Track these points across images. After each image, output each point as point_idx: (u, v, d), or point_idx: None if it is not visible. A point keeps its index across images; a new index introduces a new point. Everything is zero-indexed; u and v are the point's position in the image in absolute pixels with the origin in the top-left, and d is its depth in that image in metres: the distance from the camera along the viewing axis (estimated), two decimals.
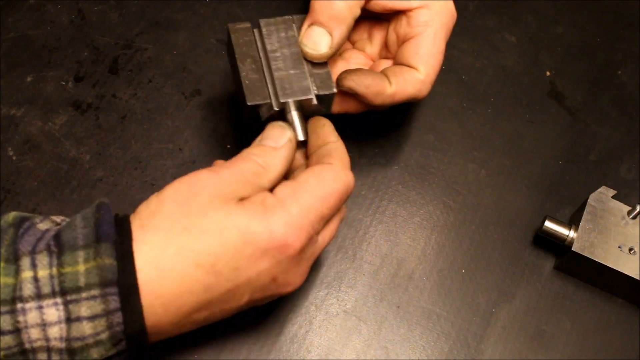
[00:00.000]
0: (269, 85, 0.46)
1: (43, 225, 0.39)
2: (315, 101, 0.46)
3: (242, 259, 0.39)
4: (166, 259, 0.38)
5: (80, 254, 0.37)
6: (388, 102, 0.47)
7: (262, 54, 0.47)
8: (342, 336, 0.49)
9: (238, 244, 0.39)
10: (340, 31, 0.46)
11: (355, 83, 0.46)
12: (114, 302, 0.36)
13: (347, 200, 0.44)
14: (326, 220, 0.42)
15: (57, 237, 0.37)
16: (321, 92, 0.46)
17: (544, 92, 0.60)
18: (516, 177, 0.56)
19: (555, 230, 0.51)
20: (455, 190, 0.55)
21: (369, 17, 0.51)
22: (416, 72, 0.48)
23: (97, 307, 0.36)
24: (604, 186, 0.52)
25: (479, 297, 0.51)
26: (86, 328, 0.36)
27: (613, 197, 0.52)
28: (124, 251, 0.37)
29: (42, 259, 0.37)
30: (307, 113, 0.47)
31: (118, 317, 0.37)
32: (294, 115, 0.46)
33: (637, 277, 0.49)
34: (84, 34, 0.57)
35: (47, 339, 0.36)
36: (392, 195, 0.54)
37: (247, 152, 0.43)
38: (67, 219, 0.40)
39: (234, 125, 0.55)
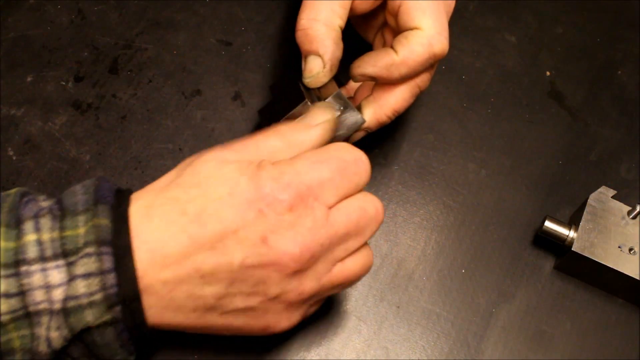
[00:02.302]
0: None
1: (45, 203, 0.39)
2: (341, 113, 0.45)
3: (228, 209, 0.38)
4: (154, 206, 0.38)
5: (81, 218, 0.37)
6: (404, 70, 0.46)
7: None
8: (342, 336, 0.49)
9: (224, 194, 0.38)
10: (326, 47, 0.45)
11: (362, 67, 0.46)
12: (108, 262, 0.37)
13: (365, 183, 0.41)
14: (333, 190, 0.40)
15: (59, 201, 0.38)
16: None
17: (544, 92, 0.60)
18: (516, 177, 0.56)
19: (555, 230, 0.51)
20: (455, 190, 0.55)
21: (375, 26, 0.52)
22: (418, 30, 0.45)
23: (91, 265, 0.36)
24: (604, 186, 0.52)
25: (479, 297, 0.51)
26: (80, 286, 0.36)
27: (613, 197, 0.52)
28: (120, 213, 0.38)
29: (46, 223, 0.37)
30: (344, 133, 0.47)
31: (112, 279, 0.37)
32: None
33: (637, 277, 0.49)
34: (84, 34, 0.57)
35: (50, 302, 0.36)
36: (392, 195, 0.54)
37: (276, 127, 0.42)
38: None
39: (234, 125, 0.55)
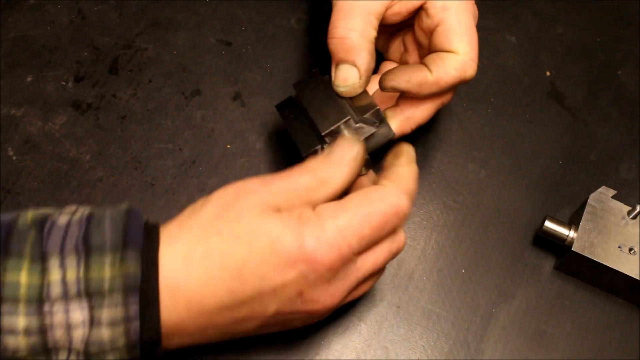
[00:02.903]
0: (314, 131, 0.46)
1: (62, 220, 0.38)
2: (353, 123, 0.45)
3: (269, 268, 0.38)
4: (194, 257, 0.38)
5: (108, 259, 0.37)
6: (435, 89, 0.47)
7: (305, 110, 0.47)
8: (342, 336, 0.49)
9: (266, 252, 0.38)
10: (362, 58, 0.46)
11: (395, 81, 0.46)
12: (134, 310, 0.36)
13: (400, 226, 0.42)
14: (370, 243, 0.41)
15: (85, 238, 0.37)
16: (363, 115, 0.46)
17: (544, 92, 0.60)
18: (516, 177, 0.56)
19: (555, 230, 0.51)
20: (455, 190, 0.55)
21: (398, 30, 0.52)
22: (453, 54, 0.47)
23: (117, 313, 0.36)
24: (604, 186, 0.52)
25: (479, 297, 0.51)
26: (105, 334, 0.36)
27: (613, 197, 0.52)
28: (150, 258, 0.37)
29: (71, 261, 0.36)
30: (372, 145, 0.47)
31: (136, 325, 0.36)
32: (345, 132, 0.46)
33: (637, 277, 0.49)
34: (84, 34, 0.57)
35: (70, 340, 0.36)
36: None
37: (307, 164, 0.42)
38: (82, 208, 0.39)
39: (234, 125, 0.55)
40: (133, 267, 0.36)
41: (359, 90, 0.47)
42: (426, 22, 0.48)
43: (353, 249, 0.39)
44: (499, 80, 0.60)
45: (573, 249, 0.50)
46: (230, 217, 0.39)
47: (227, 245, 0.38)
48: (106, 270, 0.36)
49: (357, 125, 0.46)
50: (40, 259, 0.36)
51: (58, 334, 0.36)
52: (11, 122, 0.53)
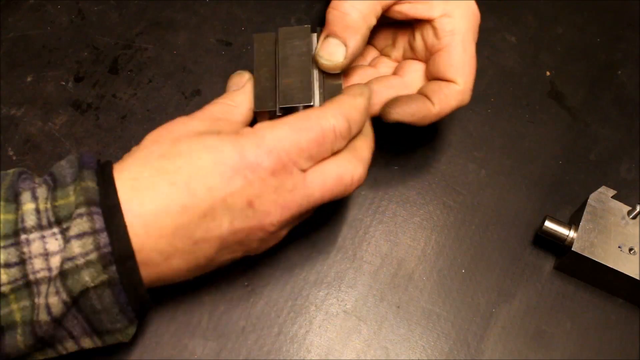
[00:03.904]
0: (277, 93, 0.46)
1: (40, 180, 0.41)
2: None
3: (215, 178, 0.40)
4: (142, 180, 0.39)
5: (70, 188, 0.39)
6: (435, 120, 0.48)
7: (278, 63, 0.47)
8: (342, 336, 0.49)
9: (209, 164, 0.40)
10: (355, 41, 0.46)
11: (400, 115, 0.47)
12: (99, 222, 0.38)
13: (359, 161, 0.44)
14: (311, 157, 0.42)
15: (51, 174, 0.40)
16: (330, 96, 0.46)
17: (544, 92, 0.60)
18: (516, 177, 0.56)
19: (555, 230, 0.51)
20: (455, 190, 0.55)
21: (392, 24, 0.52)
22: (454, 85, 0.48)
23: (84, 225, 0.38)
24: (604, 186, 0.52)
25: (479, 297, 0.51)
26: (75, 247, 0.37)
27: (613, 197, 0.52)
28: (105, 176, 0.39)
29: (42, 192, 0.39)
30: None
31: (104, 238, 0.38)
32: None
33: (637, 277, 0.49)
34: (84, 34, 0.57)
35: (49, 269, 0.37)
36: (392, 195, 0.54)
37: (214, 100, 0.46)
38: None
39: None
40: (90, 182, 0.39)
41: (338, 70, 0.47)
42: (432, 39, 0.49)
43: (292, 157, 0.41)
44: (499, 80, 0.60)
45: (573, 249, 0.50)
46: (167, 142, 0.41)
47: (171, 163, 0.40)
48: (71, 197, 0.39)
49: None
50: (14, 199, 0.38)
51: (37, 263, 0.37)
52: (11, 122, 0.53)
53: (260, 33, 0.48)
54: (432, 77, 0.50)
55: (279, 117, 0.46)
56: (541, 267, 0.53)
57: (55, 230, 0.38)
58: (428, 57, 0.50)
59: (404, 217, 0.54)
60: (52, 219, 0.38)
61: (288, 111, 0.46)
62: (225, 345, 0.48)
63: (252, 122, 0.46)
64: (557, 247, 0.52)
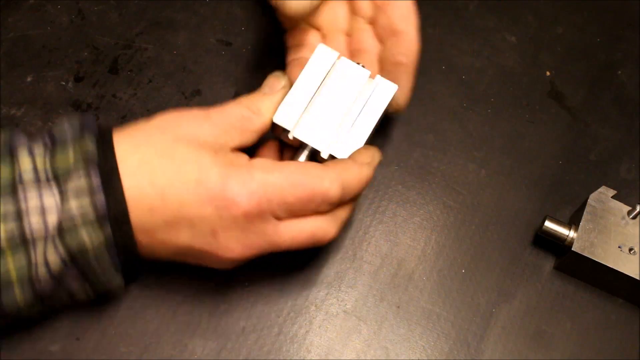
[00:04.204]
0: (301, 118, 0.46)
1: (37, 139, 0.41)
2: (324, 157, 0.46)
3: (190, 196, 0.40)
4: (128, 164, 0.40)
5: (70, 148, 0.40)
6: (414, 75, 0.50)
7: (321, 87, 0.47)
8: (342, 336, 0.49)
9: (192, 180, 0.40)
10: None
11: (405, 96, 0.49)
12: (97, 181, 0.39)
13: (333, 221, 0.44)
14: (291, 212, 0.42)
15: (50, 133, 0.41)
16: (337, 155, 0.46)
17: (544, 92, 0.60)
18: (516, 177, 0.56)
19: (555, 230, 0.51)
20: (455, 190, 0.55)
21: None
22: (407, 35, 0.49)
23: (82, 182, 0.38)
24: (604, 186, 0.52)
25: (479, 297, 0.51)
26: (73, 205, 0.38)
27: (613, 197, 0.52)
28: (105, 141, 0.40)
29: (39, 149, 0.40)
30: (322, 158, 0.47)
31: (101, 198, 0.38)
32: (302, 153, 0.46)
33: (637, 277, 0.49)
34: (84, 34, 0.57)
35: (45, 227, 0.38)
36: (392, 195, 0.54)
37: (240, 98, 0.45)
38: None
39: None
40: (90, 145, 0.39)
41: (299, 15, 0.47)
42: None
43: (273, 208, 0.41)
44: (499, 80, 0.60)
45: (573, 249, 0.50)
46: (169, 137, 0.41)
47: (159, 161, 0.40)
48: (70, 156, 0.39)
49: None
50: (9, 154, 0.39)
51: (34, 219, 0.38)
52: (11, 122, 0.53)
53: (325, 45, 0.47)
54: (382, 33, 0.50)
55: (288, 139, 0.46)
56: (541, 267, 0.53)
57: (53, 187, 0.39)
58: (373, 14, 0.51)
59: (404, 217, 0.54)
60: (51, 176, 0.39)
61: (299, 142, 0.46)
62: (225, 345, 0.48)
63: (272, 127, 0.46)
64: (557, 247, 0.52)
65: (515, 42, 0.62)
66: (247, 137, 0.44)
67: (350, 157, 0.46)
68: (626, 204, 0.52)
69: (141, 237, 0.41)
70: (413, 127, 0.57)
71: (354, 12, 0.53)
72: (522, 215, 0.55)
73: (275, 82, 0.46)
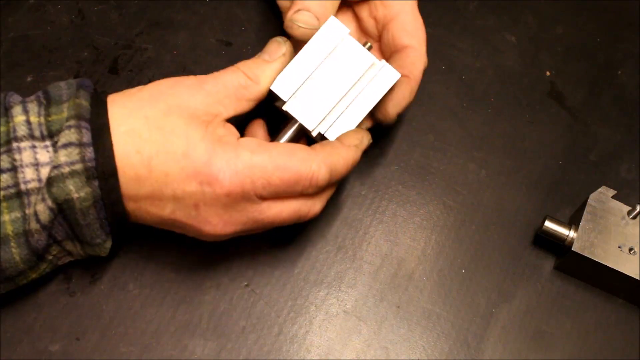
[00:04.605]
0: (300, 88, 0.46)
1: (32, 98, 0.41)
2: (314, 136, 0.46)
3: (175, 169, 0.40)
4: (117, 132, 0.40)
5: (65, 106, 0.40)
6: (415, 91, 0.49)
7: (323, 63, 0.46)
8: (342, 336, 0.49)
9: (179, 152, 0.40)
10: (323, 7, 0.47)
11: (400, 106, 0.48)
12: (87, 136, 0.39)
13: (318, 198, 0.44)
14: (276, 193, 0.42)
15: (45, 92, 0.41)
16: (326, 135, 0.46)
17: (544, 92, 0.60)
18: (516, 177, 0.56)
19: (555, 230, 0.51)
20: (455, 190, 0.55)
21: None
22: (413, 49, 0.49)
23: (71, 135, 0.39)
24: (604, 186, 0.52)
25: (479, 297, 0.51)
26: (61, 155, 0.39)
27: (613, 197, 0.52)
28: (99, 99, 0.41)
29: (33, 107, 0.40)
30: (312, 138, 0.47)
31: (90, 152, 0.39)
32: (291, 128, 0.46)
33: (637, 277, 0.49)
34: (84, 34, 0.57)
35: (39, 180, 0.39)
36: (392, 195, 0.54)
37: (238, 64, 0.44)
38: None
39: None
40: (84, 102, 0.40)
41: (309, 33, 0.46)
42: (380, 11, 0.50)
43: (257, 188, 0.41)
44: (499, 80, 0.60)
45: (573, 249, 0.50)
46: (160, 107, 0.41)
47: (148, 131, 0.40)
48: (64, 113, 0.40)
49: None
50: (5, 112, 0.39)
51: (28, 173, 0.39)
52: None
53: (337, 19, 0.46)
54: (387, 50, 0.50)
55: (283, 111, 0.46)
56: (541, 267, 0.53)
57: (47, 142, 0.39)
58: (379, 33, 0.51)
59: (404, 217, 0.54)
60: (45, 132, 0.39)
61: (289, 114, 0.46)
62: (225, 345, 0.48)
63: (271, 96, 0.46)
64: (557, 247, 0.52)
65: (515, 42, 0.62)
66: (243, 105, 0.44)
67: (338, 138, 0.46)
68: (626, 204, 0.52)
69: (127, 203, 0.41)
70: (413, 127, 0.57)
71: (361, 30, 0.53)
72: (522, 215, 0.55)
73: (276, 48, 0.45)
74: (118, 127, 0.40)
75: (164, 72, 0.56)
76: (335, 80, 0.46)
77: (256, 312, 0.49)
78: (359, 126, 0.47)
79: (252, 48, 0.58)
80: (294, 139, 0.46)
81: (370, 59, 0.46)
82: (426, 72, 0.59)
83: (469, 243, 0.53)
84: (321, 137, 0.46)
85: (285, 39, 0.46)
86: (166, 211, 0.42)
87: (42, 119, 0.40)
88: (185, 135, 0.41)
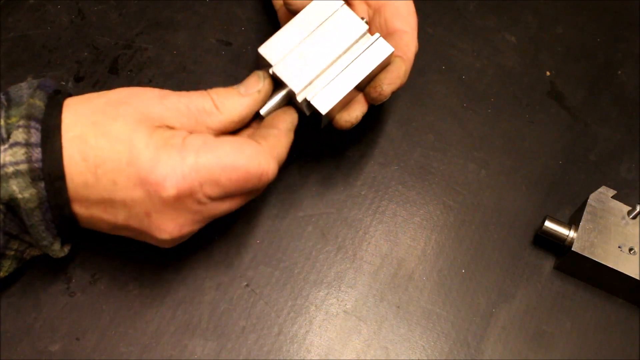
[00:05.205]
0: (290, 51, 0.45)
1: None
2: (299, 100, 0.45)
3: (122, 177, 0.40)
4: (65, 137, 0.40)
5: (24, 107, 0.40)
6: (407, 74, 0.49)
7: (313, 32, 0.45)
8: (342, 336, 0.49)
9: (123, 160, 0.39)
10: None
11: (393, 85, 0.47)
12: (35, 136, 0.38)
13: (259, 189, 0.43)
14: (225, 194, 0.41)
15: (6, 93, 0.41)
16: (312, 102, 0.45)
17: (544, 92, 0.60)
18: (516, 177, 0.56)
19: (555, 230, 0.51)
20: (455, 190, 0.55)
21: None
22: (406, 33, 0.49)
23: (19, 135, 0.38)
24: (604, 186, 0.52)
25: (479, 297, 0.51)
26: (7, 155, 0.38)
27: (613, 197, 0.52)
28: (55, 100, 0.40)
29: None
30: (297, 107, 0.46)
31: (37, 153, 0.38)
32: (277, 94, 0.46)
33: (637, 277, 0.49)
34: (84, 34, 0.57)
35: None
36: (392, 195, 0.54)
37: (210, 90, 0.44)
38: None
39: None
40: (38, 102, 0.40)
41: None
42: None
43: (205, 190, 0.40)
44: (499, 80, 0.60)
45: (573, 249, 0.50)
46: (110, 115, 0.40)
47: (94, 137, 0.40)
48: (22, 113, 0.39)
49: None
50: None
51: None
52: None
53: None
54: (380, 30, 0.50)
55: (270, 75, 0.45)
56: (541, 267, 0.53)
57: (6, 145, 0.39)
58: (371, 17, 0.51)
59: (404, 217, 0.54)
60: (5, 135, 0.39)
61: (277, 80, 0.45)
62: (225, 345, 0.48)
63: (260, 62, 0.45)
64: (557, 247, 0.52)
65: (515, 42, 0.62)
66: (200, 130, 0.42)
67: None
68: (626, 204, 0.52)
69: (77, 208, 0.41)
70: (413, 127, 0.57)
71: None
72: (522, 215, 0.55)
73: (254, 83, 0.45)
74: (67, 132, 0.40)
75: (164, 72, 0.56)
76: (327, 47, 0.45)
77: (256, 312, 0.49)
78: (355, 108, 0.47)
79: (252, 48, 0.58)
80: (279, 106, 0.46)
81: (365, 28, 0.46)
82: (426, 72, 0.59)
83: (469, 243, 0.53)
84: (307, 105, 0.45)
85: (266, 74, 0.45)
86: (119, 218, 0.41)
87: (2, 122, 0.39)
88: (129, 141, 0.40)
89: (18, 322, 0.46)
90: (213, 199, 0.41)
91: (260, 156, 0.42)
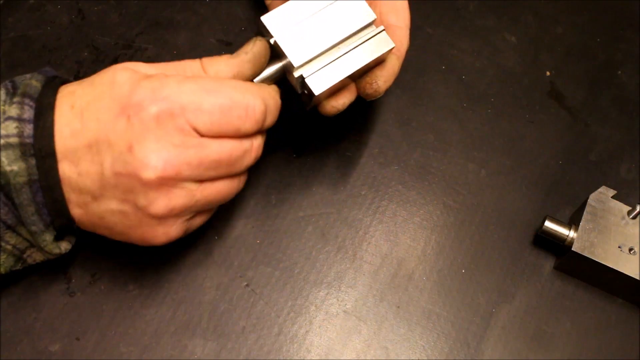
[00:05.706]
0: (294, 25, 0.45)
1: None
2: (295, 75, 0.45)
3: (104, 112, 0.39)
4: (57, 96, 0.41)
5: (21, 86, 0.41)
6: (399, 67, 0.49)
7: (321, 10, 0.45)
8: (342, 336, 0.49)
9: (106, 94, 0.40)
10: None
11: (388, 81, 0.47)
12: (29, 112, 0.39)
13: (248, 130, 0.42)
14: (211, 124, 0.40)
15: (12, 81, 0.42)
16: (307, 80, 0.45)
17: (544, 92, 0.60)
18: (516, 177, 0.56)
19: (555, 230, 0.51)
20: (455, 190, 0.55)
21: None
22: (400, 29, 0.49)
23: (12, 111, 0.39)
24: (604, 186, 0.52)
25: (479, 297, 0.51)
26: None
27: (613, 197, 0.52)
28: (52, 82, 0.41)
29: (2, 95, 0.40)
30: (291, 81, 0.46)
31: (29, 129, 0.39)
32: (273, 65, 0.45)
33: (637, 277, 0.49)
34: (84, 34, 0.57)
35: None
36: (392, 195, 0.54)
37: (206, 58, 0.43)
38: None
39: None
40: (34, 82, 0.41)
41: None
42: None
43: (187, 113, 0.39)
44: (499, 80, 0.60)
45: (573, 249, 0.50)
46: (100, 74, 0.41)
47: (80, 88, 0.41)
48: (19, 92, 0.40)
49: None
50: None
51: None
52: None
53: None
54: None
55: (273, 44, 0.44)
56: (541, 267, 0.53)
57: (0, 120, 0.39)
58: None
59: (404, 217, 0.54)
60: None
61: (276, 49, 0.45)
62: (225, 345, 0.48)
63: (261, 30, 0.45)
64: (557, 247, 0.52)
65: (515, 42, 0.62)
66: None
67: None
68: (626, 204, 0.52)
69: (66, 168, 0.40)
70: (413, 127, 0.57)
71: None
72: (522, 215, 0.55)
73: (245, 46, 0.44)
74: (61, 105, 0.40)
75: None
76: (332, 29, 0.45)
77: (256, 312, 0.49)
78: (344, 96, 0.47)
79: None
80: (273, 79, 0.45)
81: (373, 17, 0.46)
82: (426, 72, 0.59)
83: (469, 243, 0.53)
84: (301, 82, 0.45)
85: (262, 39, 0.45)
86: (106, 164, 0.39)
87: (6, 107, 0.40)
88: (112, 81, 0.40)
89: (18, 322, 0.46)
90: (199, 132, 0.40)
91: (246, 89, 0.41)
